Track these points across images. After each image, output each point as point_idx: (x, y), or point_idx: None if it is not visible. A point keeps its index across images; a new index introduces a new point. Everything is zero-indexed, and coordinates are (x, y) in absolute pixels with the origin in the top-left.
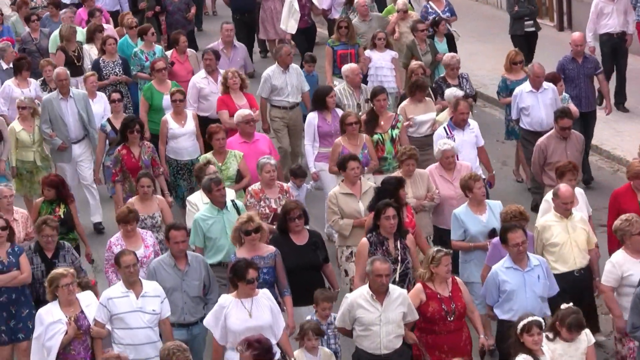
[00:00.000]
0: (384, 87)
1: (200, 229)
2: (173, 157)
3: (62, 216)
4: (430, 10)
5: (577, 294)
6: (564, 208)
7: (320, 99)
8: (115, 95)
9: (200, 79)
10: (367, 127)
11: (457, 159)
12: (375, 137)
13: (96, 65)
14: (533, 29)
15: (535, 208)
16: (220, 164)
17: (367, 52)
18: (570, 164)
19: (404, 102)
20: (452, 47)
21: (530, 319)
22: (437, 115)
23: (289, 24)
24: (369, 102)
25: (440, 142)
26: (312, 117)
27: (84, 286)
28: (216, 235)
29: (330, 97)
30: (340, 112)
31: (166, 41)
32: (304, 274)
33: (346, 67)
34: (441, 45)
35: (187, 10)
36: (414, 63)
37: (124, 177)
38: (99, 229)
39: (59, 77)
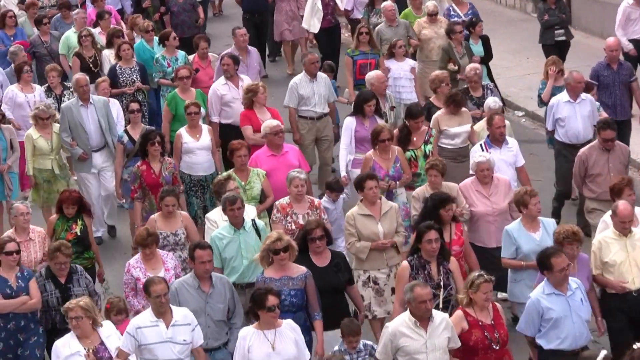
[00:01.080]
0: (423, 110)
1: (216, 248)
2: (187, 173)
3: (79, 233)
4: (452, 12)
5: (636, 315)
6: (623, 227)
7: (359, 105)
8: (134, 105)
9: (220, 86)
10: (400, 143)
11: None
12: (408, 153)
13: (112, 72)
14: (564, 37)
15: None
16: (243, 183)
17: (385, 62)
18: (624, 179)
19: (438, 113)
20: (487, 49)
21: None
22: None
23: (312, 23)
24: (394, 109)
25: (476, 154)
26: (350, 121)
27: (118, 311)
28: (231, 255)
29: (369, 106)
30: (379, 119)
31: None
32: (326, 297)
33: (371, 75)
34: (477, 47)
35: (192, 11)
36: (439, 72)
37: (143, 194)
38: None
39: (79, 84)
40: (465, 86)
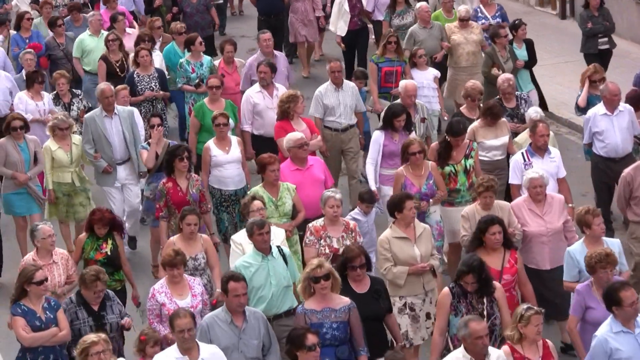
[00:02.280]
0: (466, 129)
1: None
2: (217, 187)
3: (109, 253)
4: (479, 14)
5: None
6: None
7: (389, 119)
8: (155, 120)
9: (254, 93)
10: (439, 158)
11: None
12: (448, 168)
13: (130, 79)
14: (607, 46)
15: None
16: (274, 199)
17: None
18: None
19: (475, 124)
20: (531, 53)
21: None
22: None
23: (339, 25)
24: (424, 121)
25: (529, 171)
26: (379, 135)
27: (155, 342)
28: (259, 284)
29: (398, 121)
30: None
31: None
32: (366, 325)
33: (400, 85)
34: (520, 51)
35: (206, 12)
36: (470, 82)
37: (169, 213)
38: None
39: (104, 94)
40: (498, 97)
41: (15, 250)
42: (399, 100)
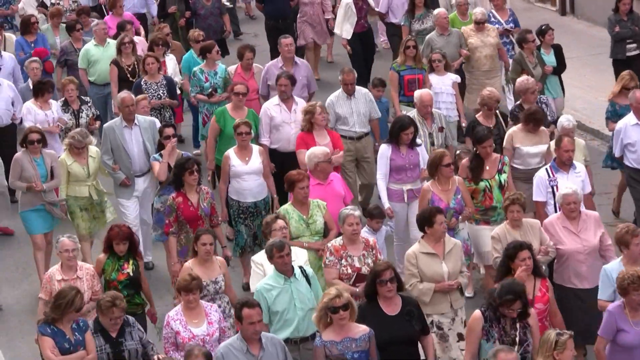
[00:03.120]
0: (491, 132)
1: (265, 301)
2: (235, 199)
3: (131, 274)
4: (492, 19)
5: None
6: None
7: (395, 132)
8: (169, 131)
9: (272, 106)
10: (472, 173)
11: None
12: (482, 184)
13: (137, 87)
14: (638, 52)
15: None
16: (305, 217)
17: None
18: None
19: (514, 128)
20: (560, 59)
21: None
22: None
23: (344, 27)
24: (442, 130)
25: (562, 186)
26: (385, 148)
27: None
28: (283, 307)
29: (406, 134)
30: (419, 148)
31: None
32: (398, 349)
33: (416, 95)
34: (548, 57)
35: (219, 16)
36: (487, 90)
37: (179, 228)
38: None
39: (124, 103)
40: (519, 102)
41: (10, 269)
42: (412, 112)
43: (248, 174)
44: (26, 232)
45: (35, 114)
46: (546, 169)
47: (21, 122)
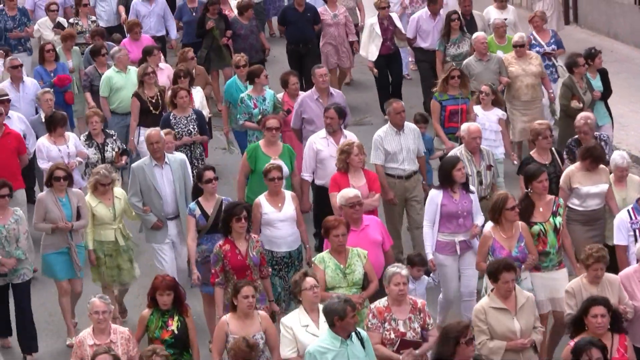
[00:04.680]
0: (545, 167)
1: None
2: (267, 249)
3: (176, 331)
4: (533, 42)
5: None
6: None
7: (446, 173)
8: (209, 174)
9: (318, 139)
10: (523, 215)
11: None
12: (536, 227)
13: (166, 122)
14: None
15: None
16: (342, 266)
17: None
18: None
19: (571, 168)
20: (606, 83)
21: None
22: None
23: (370, 49)
24: (491, 168)
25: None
26: (435, 193)
27: None
28: None
29: (458, 170)
30: (472, 195)
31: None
32: None
33: (463, 128)
34: (595, 81)
35: (258, 33)
36: (537, 125)
37: (226, 279)
38: None
39: (150, 140)
40: (575, 137)
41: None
42: (455, 150)
43: (282, 221)
44: (46, 276)
45: (48, 150)
46: (628, 210)
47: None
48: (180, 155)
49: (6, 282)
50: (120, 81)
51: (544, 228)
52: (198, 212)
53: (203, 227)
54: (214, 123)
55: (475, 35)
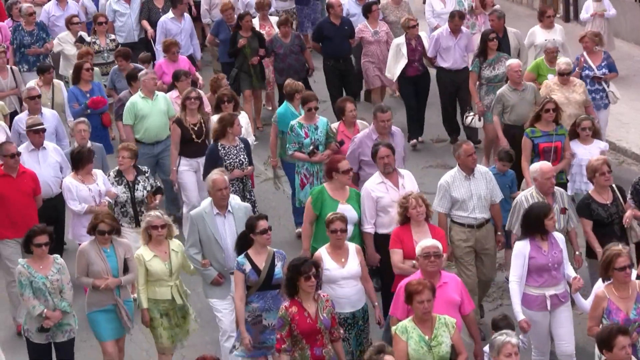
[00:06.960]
0: (605, 208)
1: None
2: None
3: None
4: (584, 64)
5: None
6: None
7: (537, 222)
8: (264, 224)
9: (375, 186)
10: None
11: None
12: None
13: (214, 154)
14: None
15: None
16: (427, 338)
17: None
18: None
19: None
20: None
21: None
22: None
23: (396, 71)
24: (565, 212)
25: None
26: (523, 245)
27: None
28: None
29: (551, 220)
30: (558, 236)
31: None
32: None
33: (536, 167)
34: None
35: (300, 54)
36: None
37: (293, 344)
38: None
39: (216, 186)
40: None
41: None
42: (525, 193)
43: (345, 279)
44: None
45: (78, 190)
46: None
47: None
48: (245, 204)
49: (48, 339)
50: (146, 108)
51: None
52: (248, 266)
53: (254, 283)
54: None
55: (509, 62)
